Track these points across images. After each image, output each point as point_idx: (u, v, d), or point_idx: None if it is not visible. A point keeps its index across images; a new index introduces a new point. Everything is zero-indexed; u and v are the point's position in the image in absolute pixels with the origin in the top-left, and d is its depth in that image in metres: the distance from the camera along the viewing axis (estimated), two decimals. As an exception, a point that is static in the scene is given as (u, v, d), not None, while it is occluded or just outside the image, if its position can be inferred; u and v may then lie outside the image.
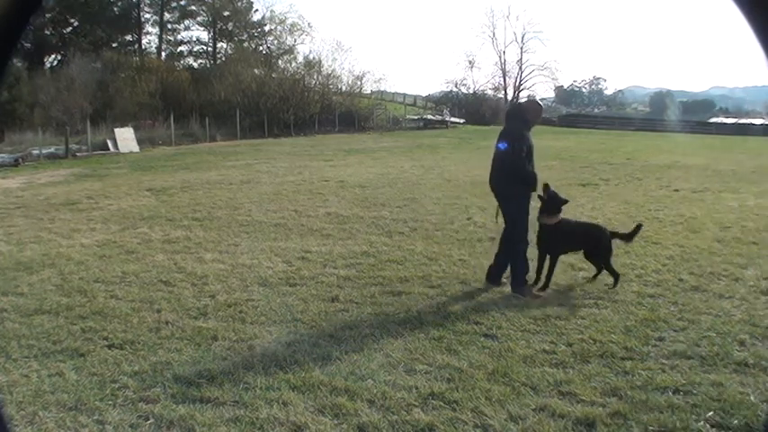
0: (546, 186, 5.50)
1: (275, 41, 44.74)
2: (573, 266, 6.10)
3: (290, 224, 8.58)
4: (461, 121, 45.31)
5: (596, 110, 72.10)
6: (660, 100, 72.22)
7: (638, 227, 5.84)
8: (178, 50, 45.84)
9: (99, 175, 15.91)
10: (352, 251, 6.93)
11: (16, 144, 23.30)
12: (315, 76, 39.94)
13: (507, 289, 5.43)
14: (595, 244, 5.60)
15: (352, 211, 9.51)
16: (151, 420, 3.21)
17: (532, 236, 5.56)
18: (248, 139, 30.80)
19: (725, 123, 45.60)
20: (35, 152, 21.13)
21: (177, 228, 8.45)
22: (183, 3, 44.49)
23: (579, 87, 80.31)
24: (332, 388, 3.53)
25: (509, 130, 5.54)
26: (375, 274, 5.94)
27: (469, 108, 49.51)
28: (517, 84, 58.86)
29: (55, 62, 38.81)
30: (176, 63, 42.47)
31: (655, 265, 6.23)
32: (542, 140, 27.30)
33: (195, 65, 44.78)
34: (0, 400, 3.33)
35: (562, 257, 5.66)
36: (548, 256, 5.49)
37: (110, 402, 3.41)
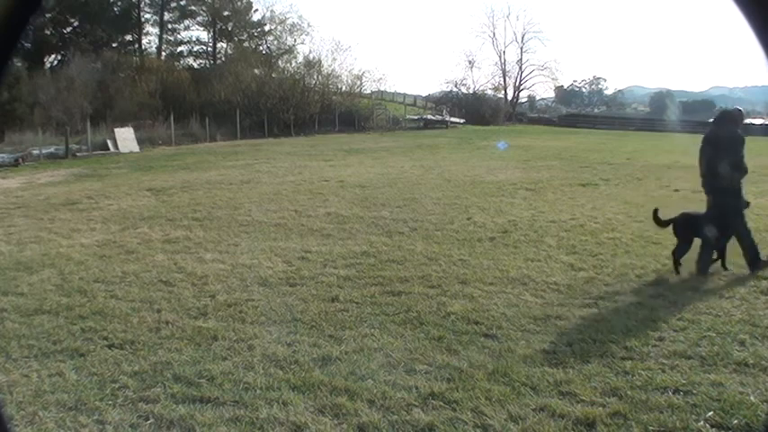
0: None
1: (275, 41, 44.65)
2: (573, 266, 6.11)
3: (290, 224, 8.59)
4: (461, 121, 45.19)
5: (596, 110, 71.86)
6: (660, 100, 72.02)
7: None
8: (178, 50, 45.77)
9: (99, 175, 15.92)
10: (352, 251, 6.93)
11: (16, 144, 23.27)
12: (315, 76, 39.88)
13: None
14: None
15: (352, 211, 9.51)
16: (151, 420, 3.22)
17: None
18: (248, 139, 30.80)
19: (725, 123, 45.39)
20: (35, 152, 21.14)
21: (177, 228, 8.46)
22: (183, 3, 44.41)
23: (579, 87, 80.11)
24: (332, 388, 3.53)
25: (734, 132, 6.53)
26: (375, 274, 5.95)
27: (469, 108, 49.35)
28: (517, 84, 58.61)
29: (55, 62, 38.75)
30: (176, 63, 42.40)
31: (655, 265, 6.24)
32: (542, 140, 27.43)
33: (195, 65, 44.72)
34: (0, 400, 3.33)
35: (563, 257, 5.64)
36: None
37: (110, 402, 3.41)
